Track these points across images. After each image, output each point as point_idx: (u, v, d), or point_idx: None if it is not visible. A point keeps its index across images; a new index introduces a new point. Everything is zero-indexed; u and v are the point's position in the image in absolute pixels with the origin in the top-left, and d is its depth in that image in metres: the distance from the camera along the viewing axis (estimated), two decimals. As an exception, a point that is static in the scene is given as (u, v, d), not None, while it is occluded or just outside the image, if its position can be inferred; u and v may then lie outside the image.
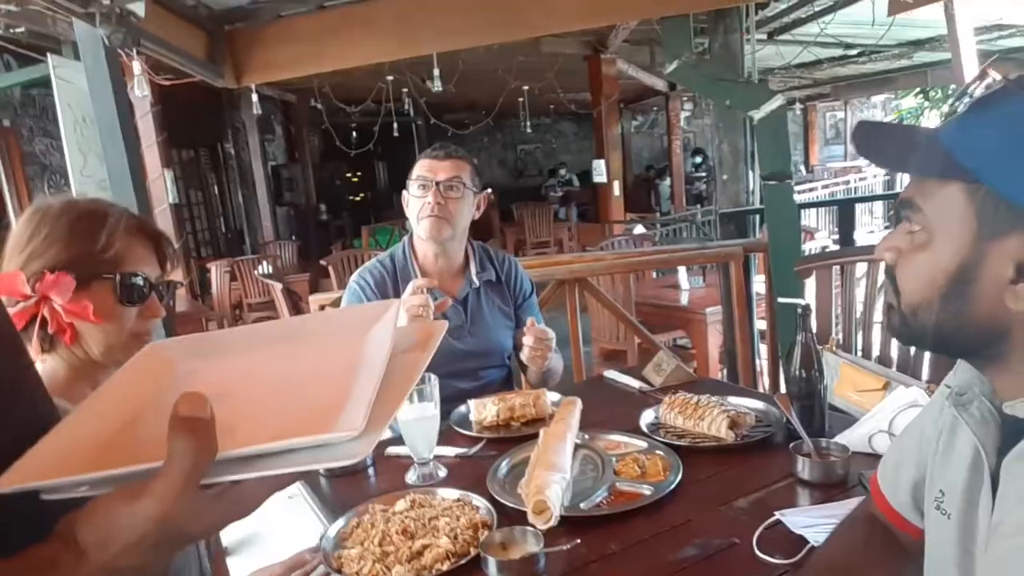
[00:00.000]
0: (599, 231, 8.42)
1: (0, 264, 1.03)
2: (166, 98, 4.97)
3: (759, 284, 3.39)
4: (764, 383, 3.32)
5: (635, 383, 1.87)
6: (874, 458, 1.29)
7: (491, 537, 1.08)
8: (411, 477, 1.41)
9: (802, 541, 1.05)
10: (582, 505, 1.20)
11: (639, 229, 6.94)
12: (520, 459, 1.39)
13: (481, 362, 1.98)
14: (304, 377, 0.61)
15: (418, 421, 1.39)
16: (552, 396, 1.71)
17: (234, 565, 1.36)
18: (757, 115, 3.15)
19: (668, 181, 12.79)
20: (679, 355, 3.07)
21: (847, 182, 11.65)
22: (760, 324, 3.46)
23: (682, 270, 4.17)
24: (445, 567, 1.05)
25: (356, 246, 9.14)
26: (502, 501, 1.22)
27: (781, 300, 2.72)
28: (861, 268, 2.29)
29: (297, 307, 4.75)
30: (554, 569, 1.04)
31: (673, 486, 1.24)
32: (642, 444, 1.43)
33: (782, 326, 2.98)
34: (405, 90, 7.64)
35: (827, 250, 4.46)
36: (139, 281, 1.06)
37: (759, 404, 1.58)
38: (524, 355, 1.84)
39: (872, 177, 12.00)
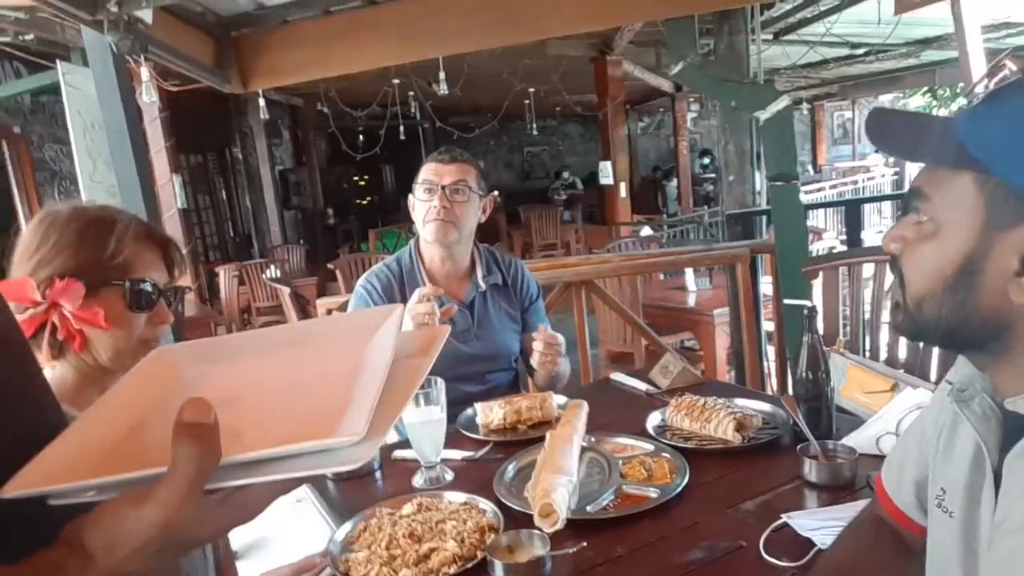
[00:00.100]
0: (606, 233, 8.42)
1: (8, 270, 1.03)
2: (174, 103, 5.00)
3: (766, 285, 3.38)
4: (772, 385, 3.31)
5: (642, 386, 1.87)
6: (882, 460, 1.28)
7: (497, 540, 1.08)
8: (418, 480, 1.42)
9: (809, 544, 1.05)
10: (588, 508, 1.20)
11: (646, 231, 6.93)
12: (527, 462, 1.39)
13: (488, 365, 1.98)
14: (309, 382, 0.61)
15: (425, 425, 1.40)
16: (559, 399, 1.71)
17: (242, 569, 1.37)
18: (763, 116, 3.14)
19: (675, 182, 12.77)
20: (687, 357, 3.06)
21: (855, 182, 11.59)
22: (768, 325, 3.45)
23: (689, 272, 4.16)
24: (452, 570, 1.05)
25: (363, 250, 9.16)
26: (509, 504, 1.23)
27: (787, 302, 2.72)
28: (868, 269, 2.28)
29: (305, 311, 4.77)
30: (560, 572, 1.04)
31: (680, 489, 1.24)
32: (648, 447, 1.43)
33: (789, 327, 2.97)
34: (411, 93, 7.66)
35: (835, 250, 4.45)
36: (148, 287, 1.07)
37: (766, 406, 1.58)
38: (534, 360, 1.83)
39: (880, 177, 11.94)
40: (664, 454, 1.38)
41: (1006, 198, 0.65)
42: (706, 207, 10.60)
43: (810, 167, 14.89)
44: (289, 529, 1.28)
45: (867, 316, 2.22)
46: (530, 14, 3.39)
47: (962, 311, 0.69)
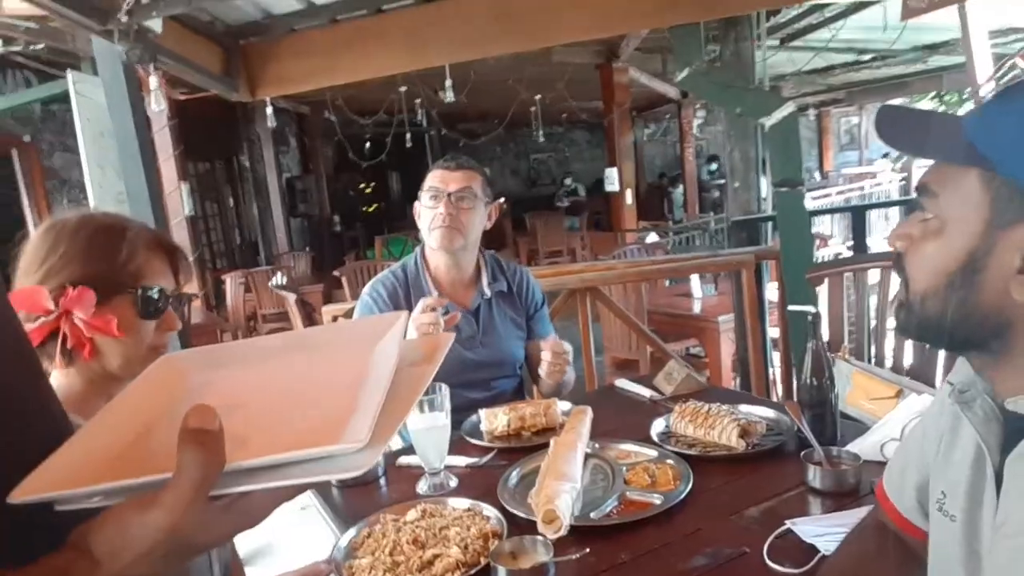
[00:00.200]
0: (612, 239, 8.42)
1: (13, 280, 1.04)
2: (182, 112, 5.04)
3: (772, 292, 3.38)
4: (777, 391, 3.30)
5: (646, 392, 1.87)
6: (886, 467, 1.28)
7: (501, 546, 1.08)
8: (422, 487, 1.42)
9: (813, 550, 1.04)
10: (592, 514, 1.20)
11: (652, 237, 6.93)
12: (531, 469, 1.39)
13: (492, 372, 1.98)
14: (313, 388, 0.62)
15: (429, 431, 1.40)
16: (563, 406, 1.71)
17: (248, 575, 1.37)
18: (768, 122, 3.14)
19: (681, 189, 12.76)
20: (692, 364, 3.06)
21: (861, 188, 11.56)
22: (773, 332, 3.44)
23: (694, 278, 4.16)
24: (455, 577, 1.05)
25: (369, 257, 9.20)
26: (512, 511, 1.23)
27: (791, 308, 2.71)
28: (874, 276, 2.28)
29: (311, 318, 4.78)
30: (564, 578, 1.04)
31: (683, 495, 1.24)
32: (652, 453, 1.43)
33: (794, 334, 2.96)
34: (418, 101, 7.69)
35: (840, 257, 4.44)
36: (158, 295, 1.08)
37: (770, 413, 1.57)
38: (542, 370, 1.83)
39: (888, 183, 11.90)
40: (668, 460, 1.38)
41: (1011, 196, 0.65)
42: (712, 213, 10.60)
43: (817, 173, 14.86)
44: (294, 536, 1.28)
45: (872, 323, 2.21)
46: (536, 22, 3.41)
47: (964, 308, 0.69)
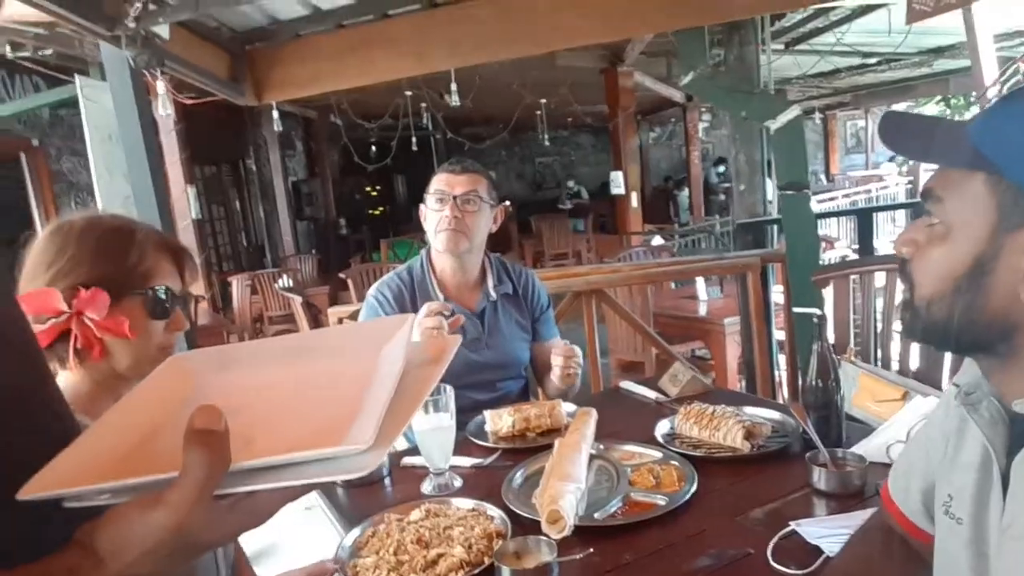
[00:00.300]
0: (617, 242, 8.42)
1: (19, 281, 1.05)
2: (189, 116, 5.06)
3: (778, 294, 3.37)
4: (783, 394, 3.29)
5: (651, 394, 1.87)
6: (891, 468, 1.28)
7: (505, 546, 1.09)
8: (427, 487, 1.43)
9: (817, 551, 1.04)
10: (596, 515, 1.20)
11: (657, 240, 6.93)
12: (535, 469, 1.40)
13: (498, 374, 1.99)
14: (319, 390, 0.62)
15: (434, 432, 1.41)
16: (568, 407, 1.72)
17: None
18: (773, 125, 3.15)
19: (686, 192, 12.75)
20: (698, 366, 3.05)
21: (868, 191, 11.53)
22: (779, 334, 3.44)
23: (700, 281, 4.16)
24: (459, 576, 1.06)
25: (375, 259, 9.21)
26: (516, 511, 1.23)
27: (796, 310, 2.71)
28: (880, 278, 2.27)
29: (316, 320, 4.80)
30: (568, 579, 1.05)
31: (688, 496, 1.24)
32: (657, 454, 1.43)
33: (800, 336, 2.96)
34: (423, 105, 7.71)
35: (846, 259, 4.43)
36: (166, 295, 1.09)
37: (775, 414, 1.57)
38: (555, 375, 1.82)
39: (895, 186, 11.87)
40: (673, 462, 1.38)
41: (1017, 199, 0.65)
42: (718, 216, 10.58)
43: (823, 176, 14.82)
44: (299, 535, 1.29)
45: (878, 325, 2.21)
46: (540, 27, 3.42)
47: (971, 312, 0.69)
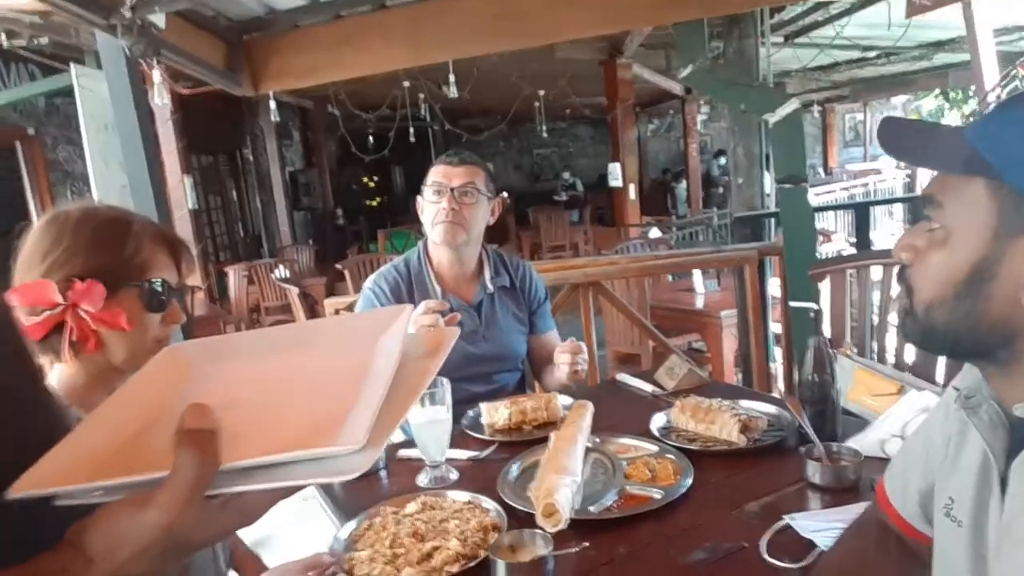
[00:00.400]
0: (615, 234, 8.42)
1: (13, 272, 1.04)
2: (186, 105, 5.03)
3: (775, 288, 3.38)
4: (779, 387, 3.30)
5: (648, 387, 1.87)
6: (886, 463, 1.28)
7: (500, 540, 1.09)
8: (422, 480, 1.43)
9: (811, 545, 1.05)
10: (592, 508, 1.20)
11: (654, 232, 6.93)
12: (531, 462, 1.40)
13: (495, 366, 1.99)
14: (314, 384, 0.62)
15: (430, 424, 1.41)
16: (564, 400, 1.72)
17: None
18: (772, 119, 3.14)
19: (684, 184, 12.73)
20: (694, 359, 3.06)
21: (866, 184, 11.53)
22: (776, 328, 3.44)
23: (697, 274, 4.16)
24: (454, 569, 1.06)
25: (372, 250, 9.20)
26: (512, 504, 1.23)
27: (793, 304, 2.72)
28: (876, 272, 2.28)
29: (313, 311, 4.80)
30: (563, 572, 1.05)
31: (683, 490, 1.24)
32: (653, 448, 1.43)
33: (797, 330, 2.97)
34: (421, 96, 7.68)
35: (843, 252, 4.44)
36: (163, 287, 1.08)
37: (771, 408, 1.58)
38: (562, 373, 1.78)
39: (892, 179, 11.87)
40: (668, 455, 1.39)
41: (1018, 205, 0.65)
42: (716, 209, 10.58)
43: (821, 169, 14.82)
44: (295, 527, 1.29)
45: (875, 319, 2.21)
46: (538, 20, 3.41)
47: (971, 318, 0.69)
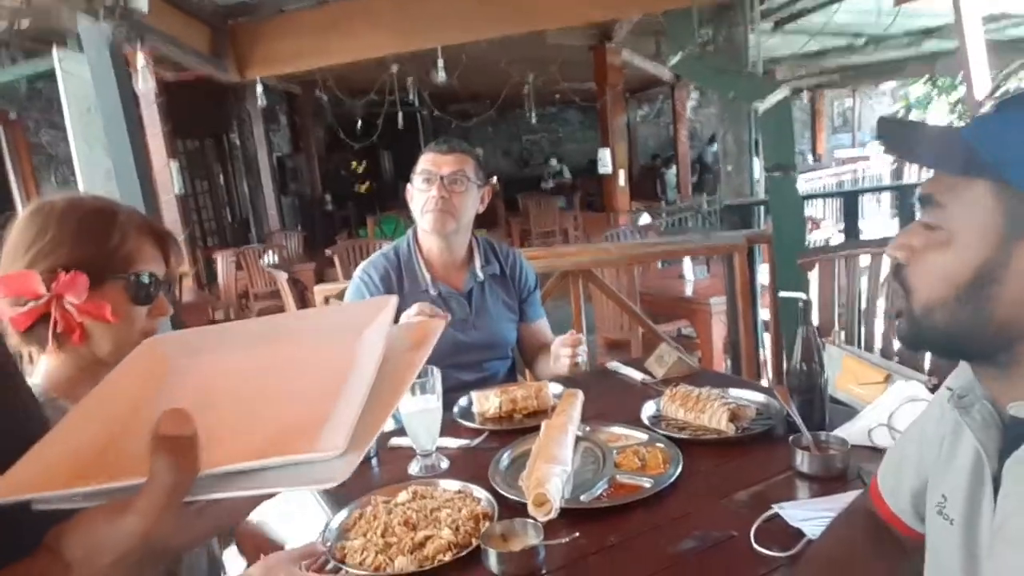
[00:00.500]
0: (604, 220, 8.41)
1: None
2: (171, 89, 4.98)
3: (764, 275, 3.39)
4: (768, 374, 3.33)
5: (638, 375, 1.88)
6: (873, 451, 1.30)
7: (492, 529, 1.09)
8: (413, 468, 1.43)
9: (799, 534, 1.06)
10: (582, 497, 1.21)
11: (644, 219, 6.93)
12: (522, 451, 1.40)
13: (485, 354, 1.99)
14: (294, 383, 0.60)
15: (420, 413, 1.41)
16: (554, 388, 1.72)
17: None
18: (761, 106, 3.14)
19: (674, 170, 12.73)
20: (683, 345, 3.07)
21: (854, 171, 11.58)
22: (764, 315, 3.46)
23: (687, 261, 4.17)
24: (447, 558, 1.06)
25: (362, 236, 9.16)
26: (503, 493, 1.24)
27: (782, 294, 2.73)
28: (864, 260, 2.29)
29: (302, 297, 4.77)
30: (554, 561, 1.06)
31: (673, 479, 1.25)
32: (643, 436, 1.44)
33: (785, 318, 2.99)
34: (410, 79, 7.62)
35: (831, 240, 4.46)
36: (149, 280, 1.07)
37: (760, 397, 1.58)
38: (563, 365, 1.78)
39: (880, 166, 11.93)
40: (658, 444, 1.39)
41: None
42: (705, 195, 10.59)
43: (809, 156, 14.85)
44: (285, 517, 1.29)
45: (863, 307, 2.23)
46: (526, 6, 3.39)
47: (975, 322, 0.68)
